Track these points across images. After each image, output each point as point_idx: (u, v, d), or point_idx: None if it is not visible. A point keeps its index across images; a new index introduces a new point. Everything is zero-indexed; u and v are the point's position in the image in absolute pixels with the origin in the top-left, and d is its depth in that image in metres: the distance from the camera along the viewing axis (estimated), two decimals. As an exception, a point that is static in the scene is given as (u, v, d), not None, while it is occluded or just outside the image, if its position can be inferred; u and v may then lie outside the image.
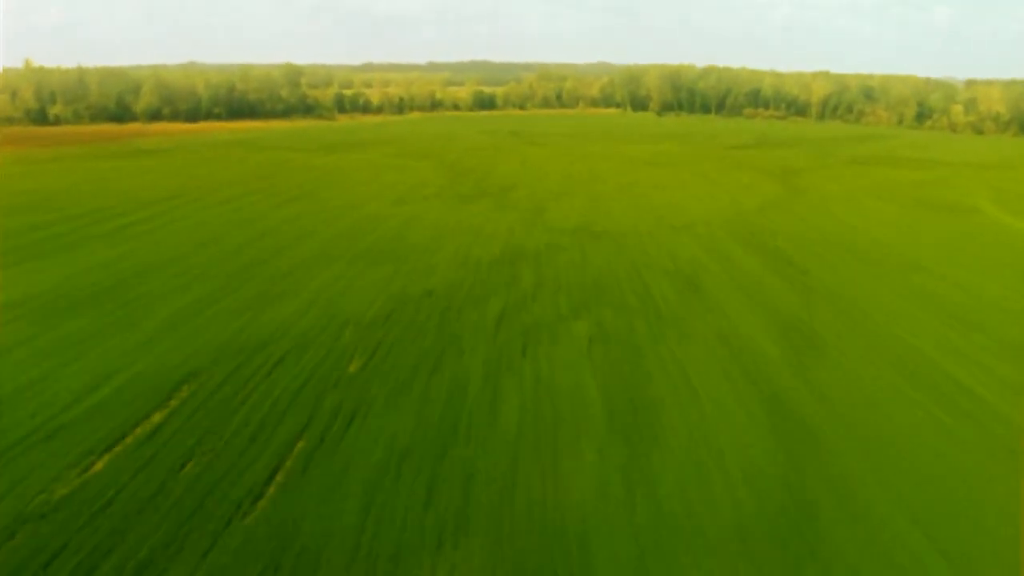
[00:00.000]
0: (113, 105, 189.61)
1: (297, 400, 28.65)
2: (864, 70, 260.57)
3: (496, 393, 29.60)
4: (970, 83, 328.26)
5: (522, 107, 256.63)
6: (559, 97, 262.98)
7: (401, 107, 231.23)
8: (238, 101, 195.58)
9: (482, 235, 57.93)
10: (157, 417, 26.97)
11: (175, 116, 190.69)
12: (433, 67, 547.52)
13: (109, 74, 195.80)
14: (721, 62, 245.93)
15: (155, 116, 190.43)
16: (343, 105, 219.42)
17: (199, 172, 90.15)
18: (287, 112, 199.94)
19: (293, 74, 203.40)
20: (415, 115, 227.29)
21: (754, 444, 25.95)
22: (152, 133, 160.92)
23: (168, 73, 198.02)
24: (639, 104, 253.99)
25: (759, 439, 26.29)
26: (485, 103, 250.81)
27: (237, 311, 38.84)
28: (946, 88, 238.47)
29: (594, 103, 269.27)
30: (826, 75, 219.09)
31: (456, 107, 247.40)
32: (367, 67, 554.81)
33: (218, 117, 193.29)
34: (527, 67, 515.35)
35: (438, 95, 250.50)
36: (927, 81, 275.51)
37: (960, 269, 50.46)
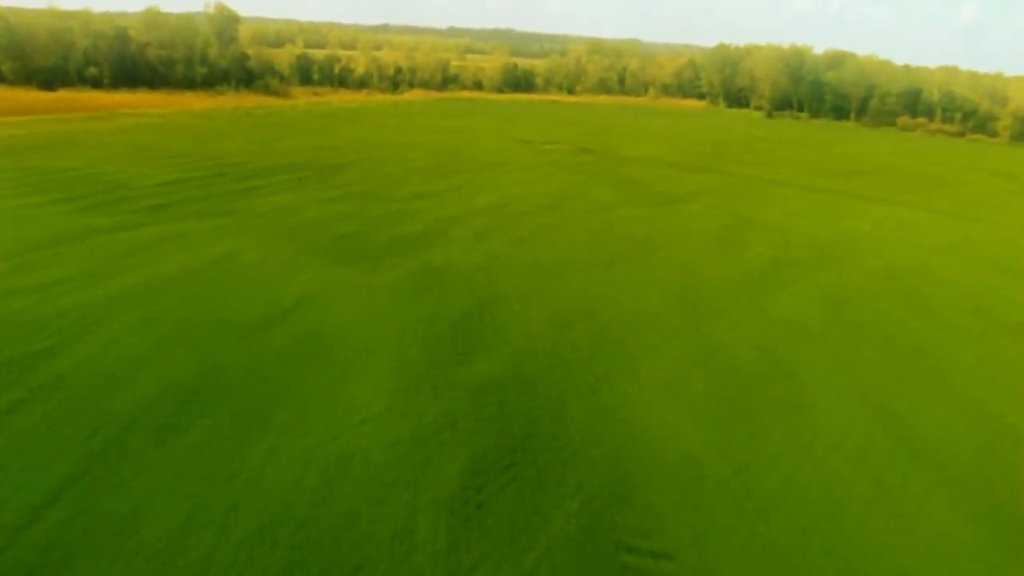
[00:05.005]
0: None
1: None
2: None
3: None
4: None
5: (570, 90, 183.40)
6: (621, 80, 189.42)
7: (397, 81, 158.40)
8: (132, 60, 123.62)
9: None
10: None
11: (28, 78, 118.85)
12: (453, 32, 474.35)
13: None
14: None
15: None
16: (309, 74, 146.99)
17: None
18: (212, 80, 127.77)
19: (226, 24, 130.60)
20: (415, 94, 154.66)
21: None
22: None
23: (24, 15, 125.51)
24: (733, 98, 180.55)
25: None
26: (520, 83, 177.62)
27: None
28: None
29: (666, 90, 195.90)
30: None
31: (478, 85, 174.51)
32: (384, 28, 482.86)
33: (97, 83, 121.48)
34: (552, 39, 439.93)
35: (453, 66, 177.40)
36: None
37: None
